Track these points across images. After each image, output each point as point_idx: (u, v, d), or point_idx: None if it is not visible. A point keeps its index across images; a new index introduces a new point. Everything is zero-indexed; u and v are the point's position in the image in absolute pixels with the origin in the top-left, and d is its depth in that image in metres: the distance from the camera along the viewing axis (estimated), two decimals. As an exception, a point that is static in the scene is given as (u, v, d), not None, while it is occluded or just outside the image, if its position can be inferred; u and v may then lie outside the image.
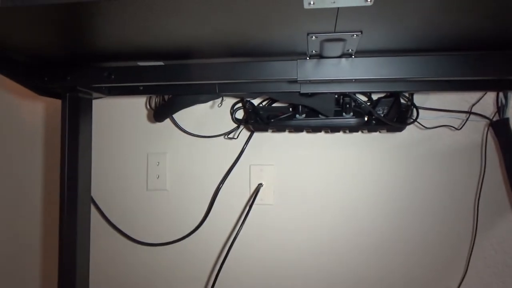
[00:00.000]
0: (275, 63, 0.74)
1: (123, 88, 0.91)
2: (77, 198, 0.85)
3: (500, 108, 0.93)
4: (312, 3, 0.48)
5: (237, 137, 1.06)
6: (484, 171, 0.96)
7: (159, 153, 1.13)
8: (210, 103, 1.06)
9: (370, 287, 1.04)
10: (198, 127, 1.10)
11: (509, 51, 0.69)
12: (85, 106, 0.89)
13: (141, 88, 0.90)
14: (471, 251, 0.98)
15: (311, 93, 0.87)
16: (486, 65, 0.68)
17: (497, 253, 0.97)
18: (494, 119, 0.95)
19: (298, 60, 0.73)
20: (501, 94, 0.92)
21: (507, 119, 0.92)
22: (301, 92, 0.85)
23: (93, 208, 1.14)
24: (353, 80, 0.73)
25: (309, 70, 0.73)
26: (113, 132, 1.15)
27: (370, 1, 0.48)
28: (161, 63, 0.79)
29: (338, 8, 0.51)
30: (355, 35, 0.61)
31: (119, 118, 1.15)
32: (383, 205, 1.02)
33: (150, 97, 1.10)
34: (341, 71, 0.72)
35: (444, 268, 1.00)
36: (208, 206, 1.10)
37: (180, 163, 1.12)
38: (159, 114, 1.00)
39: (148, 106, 1.11)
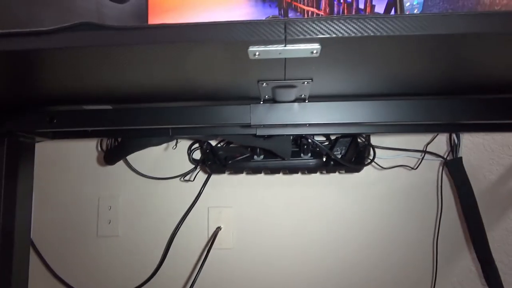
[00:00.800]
0: (228, 107, 0.72)
1: (69, 132, 0.86)
2: (14, 245, 0.78)
3: (454, 148, 0.95)
4: (257, 54, 0.47)
5: (194, 179, 1.02)
6: (441, 209, 0.97)
7: (111, 197, 1.07)
8: (164, 145, 1.02)
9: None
10: (153, 168, 1.05)
11: (459, 96, 0.70)
12: (26, 150, 0.82)
13: (90, 131, 0.85)
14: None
15: (267, 135, 0.85)
16: (438, 110, 0.68)
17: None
18: (448, 158, 0.97)
19: (251, 105, 0.72)
20: (453, 135, 0.94)
21: (460, 158, 0.93)
22: (256, 134, 0.83)
23: (36, 257, 1.05)
24: (307, 125, 0.72)
25: (263, 114, 0.71)
26: (61, 175, 1.08)
27: (316, 52, 0.46)
28: (108, 107, 0.75)
29: (285, 58, 0.49)
30: (305, 82, 0.60)
31: (67, 160, 1.08)
32: (343, 244, 1.00)
33: (102, 141, 1.05)
34: (294, 115, 0.70)
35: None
36: (164, 252, 1.04)
37: (133, 207, 1.06)
38: (110, 157, 0.95)
39: (100, 148, 1.05)
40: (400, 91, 0.69)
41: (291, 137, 0.88)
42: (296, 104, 0.71)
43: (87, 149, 1.07)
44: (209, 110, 0.73)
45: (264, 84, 0.61)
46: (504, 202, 0.98)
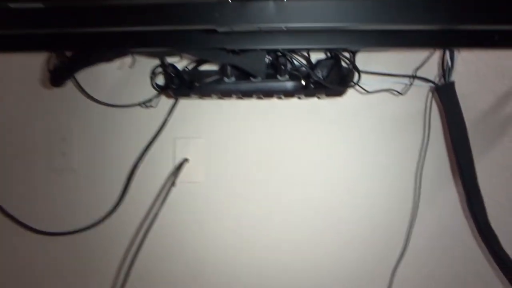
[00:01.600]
0: (188, 4, 0.59)
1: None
2: None
3: (446, 71, 0.85)
4: None
5: (157, 105, 0.90)
6: (428, 139, 0.89)
7: (64, 127, 0.95)
8: (118, 63, 0.89)
9: (305, 263, 0.95)
10: (111, 95, 0.93)
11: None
12: None
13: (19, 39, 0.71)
14: (414, 222, 0.91)
15: (239, 50, 0.73)
16: (436, 10, 0.58)
17: (439, 226, 0.92)
18: (439, 83, 0.88)
19: (217, 2, 0.59)
20: (447, 55, 0.84)
21: (453, 83, 0.84)
22: (226, 47, 0.71)
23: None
24: (284, 29, 0.60)
25: (231, 14, 0.59)
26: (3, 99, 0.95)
27: None
28: (40, 5, 0.61)
29: None
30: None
31: (11, 85, 0.94)
32: (323, 175, 0.93)
33: (49, 59, 0.90)
34: (268, 16, 0.58)
35: (385, 236, 0.93)
36: (124, 187, 0.94)
37: (90, 138, 0.95)
38: (55, 77, 0.81)
39: (47, 69, 0.91)
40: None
41: (265, 52, 0.76)
42: (271, 2, 0.59)
43: (33, 71, 0.93)
44: (165, 9, 0.60)
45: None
46: (494, 133, 0.91)
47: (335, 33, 0.69)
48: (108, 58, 0.76)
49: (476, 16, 0.58)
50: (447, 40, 0.73)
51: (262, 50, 0.73)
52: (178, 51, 0.79)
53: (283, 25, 0.59)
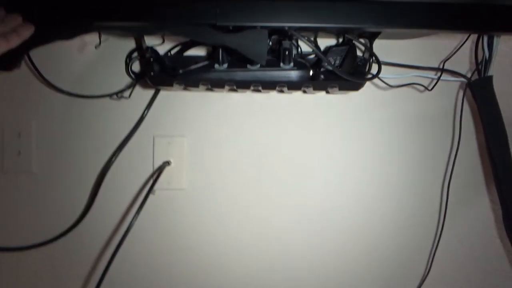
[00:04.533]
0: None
1: None
2: None
3: (481, 63, 0.71)
4: None
5: (130, 96, 0.75)
6: (459, 143, 0.74)
7: (20, 121, 0.78)
8: (79, 43, 0.73)
9: (312, 271, 0.80)
10: (77, 84, 0.77)
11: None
12: None
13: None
14: (439, 240, 0.77)
15: (234, 27, 0.58)
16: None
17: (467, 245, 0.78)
18: (473, 78, 0.73)
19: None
20: (484, 42, 0.69)
21: (491, 78, 0.70)
22: (219, 23, 0.55)
23: None
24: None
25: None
26: None
27: None
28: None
29: None
30: None
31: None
32: (329, 184, 0.78)
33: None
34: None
35: (406, 257, 0.79)
36: (91, 192, 0.78)
37: (52, 134, 0.78)
38: (4, 58, 0.65)
39: None
40: None
41: (267, 32, 0.60)
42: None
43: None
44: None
45: None
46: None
47: (351, 9, 0.54)
48: (68, 34, 0.60)
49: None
50: (485, 25, 0.58)
51: (263, 28, 0.58)
52: (158, 28, 0.63)
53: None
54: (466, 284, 0.79)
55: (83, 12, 0.55)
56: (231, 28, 0.58)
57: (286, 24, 0.56)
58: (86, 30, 0.62)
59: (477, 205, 0.77)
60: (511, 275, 0.78)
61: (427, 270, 0.79)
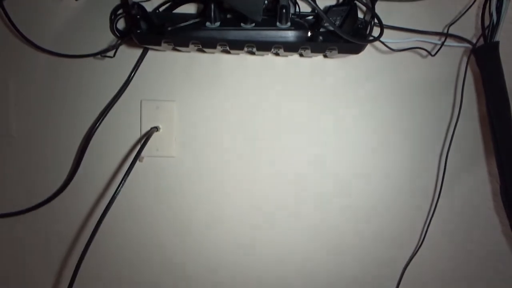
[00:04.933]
0: None
1: None
2: None
3: (489, 28, 0.67)
4: None
5: (114, 55, 0.70)
6: (459, 112, 0.72)
7: (-4, 80, 0.73)
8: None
9: (301, 252, 0.79)
10: (58, 41, 0.71)
11: None
12: None
13: None
14: (434, 210, 0.76)
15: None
16: None
17: (463, 216, 0.77)
18: (478, 44, 0.70)
19: None
20: (493, 5, 0.65)
21: (497, 44, 0.66)
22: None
23: None
24: None
25: None
26: None
27: None
28: None
29: None
30: None
31: None
32: (326, 151, 0.75)
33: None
34: None
35: (400, 226, 0.78)
36: (76, 159, 0.74)
37: (33, 95, 0.74)
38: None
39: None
40: None
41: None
42: None
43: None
44: None
45: None
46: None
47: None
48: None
49: None
50: None
51: (259, -18, 0.53)
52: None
53: None
54: (458, 256, 0.79)
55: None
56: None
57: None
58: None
59: (474, 177, 0.75)
60: (505, 248, 0.77)
61: (420, 242, 0.78)
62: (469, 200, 0.76)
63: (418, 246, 0.78)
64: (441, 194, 0.74)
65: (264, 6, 0.60)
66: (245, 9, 0.55)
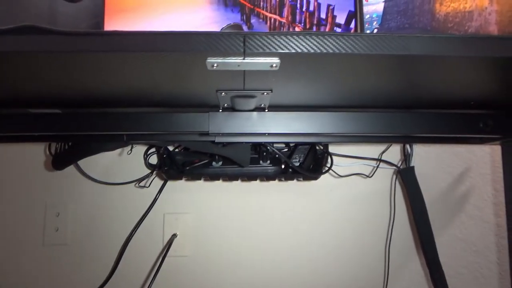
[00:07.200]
0: (186, 115, 0.70)
1: (14, 136, 0.80)
2: None
3: (407, 157, 0.98)
4: (215, 65, 0.45)
5: (149, 185, 0.99)
6: (394, 216, 1.00)
7: (59, 203, 1.01)
8: (118, 150, 0.98)
9: None
10: (106, 174, 1.01)
11: (415, 110, 0.73)
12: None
13: (37, 135, 0.79)
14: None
15: (225, 142, 0.84)
16: (394, 123, 0.70)
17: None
18: (401, 167, 1.00)
19: (210, 112, 0.70)
20: (407, 145, 0.97)
21: (413, 167, 0.97)
22: (215, 141, 0.81)
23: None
24: (266, 134, 0.71)
25: (221, 122, 0.70)
26: (4, 180, 1.01)
27: (276, 66, 0.46)
28: (57, 111, 0.70)
29: (244, 70, 0.48)
30: (265, 93, 0.59)
31: (11, 165, 1.01)
32: (300, 249, 1.01)
33: (50, 145, 0.99)
34: (253, 124, 0.70)
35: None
36: (116, 260, 0.99)
37: (84, 213, 1.01)
38: (58, 162, 0.90)
39: (48, 152, 0.99)
40: (359, 103, 0.70)
41: (250, 145, 0.87)
42: (255, 113, 0.70)
43: (34, 153, 1.01)
44: (166, 117, 0.71)
45: (223, 93, 0.59)
46: (452, 209, 1.02)
47: (309, 134, 0.81)
48: (110, 148, 0.86)
49: (429, 129, 0.71)
50: (407, 139, 0.87)
51: (246, 143, 0.84)
52: (172, 143, 0.89)
53: (265, 132, 0.70)
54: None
55: (122, 136, 0.80)
56: (224, 144, 0.84)
57: (262, 141, 0.83)
58: (123, 146, 0.88)
59: (413, 264, 1.01)
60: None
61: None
62: (411, 282, 1.00)
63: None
64: (388, 279, 0.99)
65: (251, 151, 0.90)
66: (238, 159, 0.85)
